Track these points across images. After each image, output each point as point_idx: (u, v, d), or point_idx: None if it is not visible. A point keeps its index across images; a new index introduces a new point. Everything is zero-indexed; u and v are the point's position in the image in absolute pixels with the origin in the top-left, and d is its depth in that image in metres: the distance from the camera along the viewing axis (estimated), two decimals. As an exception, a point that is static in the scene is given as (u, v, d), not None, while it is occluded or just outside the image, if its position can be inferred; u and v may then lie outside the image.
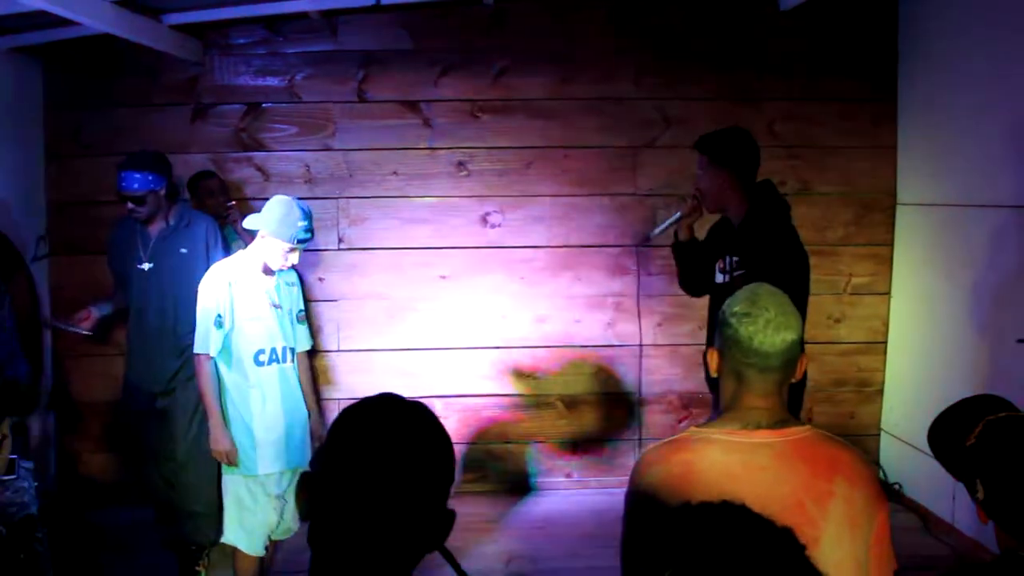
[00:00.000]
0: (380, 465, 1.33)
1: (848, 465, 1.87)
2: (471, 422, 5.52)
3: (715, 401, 2.03)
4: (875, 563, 1.84)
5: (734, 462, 1.82)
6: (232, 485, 3.86)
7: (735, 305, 1.94)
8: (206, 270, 3.99)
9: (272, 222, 3.75)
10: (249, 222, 3.83)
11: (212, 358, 3.79)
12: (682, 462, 1.84)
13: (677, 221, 3.98)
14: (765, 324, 1.88)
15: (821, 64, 5.42)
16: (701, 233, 4.06)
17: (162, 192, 4.34)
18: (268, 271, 3.89)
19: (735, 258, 3.68)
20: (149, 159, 4.32)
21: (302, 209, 3.80)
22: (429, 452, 1.38)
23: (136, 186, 4.25)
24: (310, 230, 3.83)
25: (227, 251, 4.49)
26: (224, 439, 3.77)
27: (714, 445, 1.87)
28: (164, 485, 4.49)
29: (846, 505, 1.81)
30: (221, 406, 3.82)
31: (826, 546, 1.76)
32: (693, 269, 3.99)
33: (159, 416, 4.44)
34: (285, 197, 3.84)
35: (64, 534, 4.41)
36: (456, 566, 1.48)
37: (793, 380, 1.97)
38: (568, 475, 5.54)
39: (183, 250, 4.43)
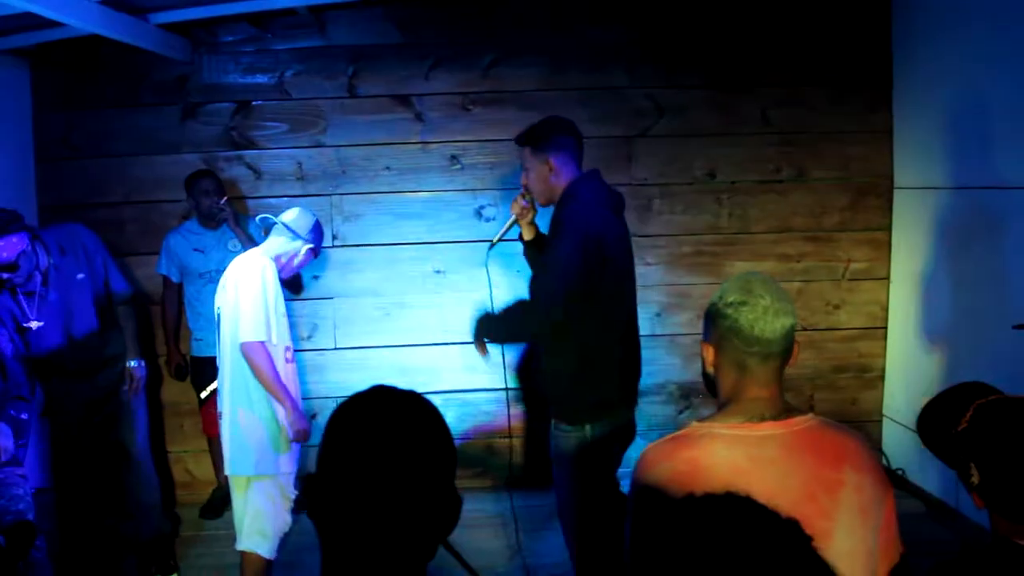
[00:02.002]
0: (381, 457, 1.31)
1: (854, 452, 1.86)
2: (470, 417, 5.50)
3: (714, 396, 2.00)
4: (883, 548, 1.83)
5: (740, 456, 1.79)
6: (261, 490, 3.76)
7: (728, 295, 1.92)
8: (106, 273, 4.41)
9: (306, 229, 3.98)
10: (298, 224, 3.98)
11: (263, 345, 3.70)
12: (688, 459, 1.81)
13: (513, 224, 3.84)
14: (764, 311, 1.87)
15: (814, 49, 5.39)
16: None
17: (30, 248, 4.03)
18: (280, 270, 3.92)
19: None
20: (7, 218, 3.94)
21: (318, 223, 4.10)
22: (428, 438, 1.37)
23: (5, 254, 3.90)
24: None
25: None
26: (303, 419, 3.75)
27: (719, 440, 1.84)
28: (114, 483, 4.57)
29: (856, 494, 1.80)
30: (251, 405, 3.74)
31: (839, 536, 1.75)
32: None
33: (101, 421, 4.52)
34: (310, 211, 4.11)
35: (64, 538, 4.42)
36: (461, 560, 1.46)
37: (789, 366, 1.95)
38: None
39: (80, 275, 4.33)
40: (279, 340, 3.79)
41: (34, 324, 4.18)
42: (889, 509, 1.86)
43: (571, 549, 3.73)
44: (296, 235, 3.96)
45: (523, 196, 3.74)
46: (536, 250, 3.83)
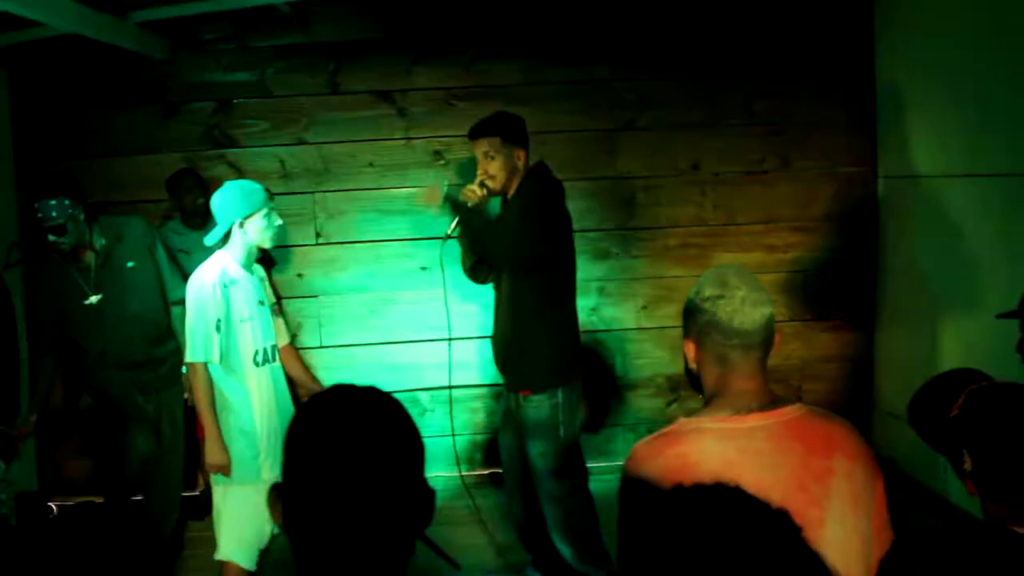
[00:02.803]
0: (348, 457, 1.28)
1: (844, 440, 1.85)
2: (457, 413, 5.47)
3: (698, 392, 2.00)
4: (875, 533, 1.82)
5: (729, 449, 1.78)
6: (233, 498, 3.68)
7: (705, 290, 1.92)
8: (158, 270, 4.24)
9: (237, 205, 3.64)
10: (212, 235, 3.69)
11: (206, 366, 3.61)
12: (677, 455, 1.80)
13: (469, 212, 3.88)
14: (742, 302, 1.86)
15: (797, 41, 5.40)
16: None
17: (81, 216, 3.98)
18: (248, 267, 3.76)
19: None
20: (62, 182, 3.97)
21: (242, 182, 3.79)
22: (393, 432, 1.34)
23: (55, 214, 3.85)
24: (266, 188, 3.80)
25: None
26: (222, 453, 3.59)
27: (707, 434, 1.83)
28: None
29: (847, 482, 1.79)
30: (220, 418, 3.63)
31: (831, 525, 1.74)
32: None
33: (140, 417, 4.36)
34: (222, 187, 3.72)
35: (44, 536, 4.41)
36: (439, 551, 1.44)
37: (772, 355, 1.94)
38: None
39: (130, 264, 4.22)
40: (245, 348, 3.67)
41: (93, 298, 4.11)
42: (880, 495, 1.85)
43: (551, 518, 3.91)
44: (221, 234, 3.69)
45: (479, 185, 3.83)
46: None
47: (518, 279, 3.85)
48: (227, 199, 3.64)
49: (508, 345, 3.92)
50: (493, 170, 3.82)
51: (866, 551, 1.79)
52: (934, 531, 1.90)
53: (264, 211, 3.67)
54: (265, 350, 3.76)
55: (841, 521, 1.75)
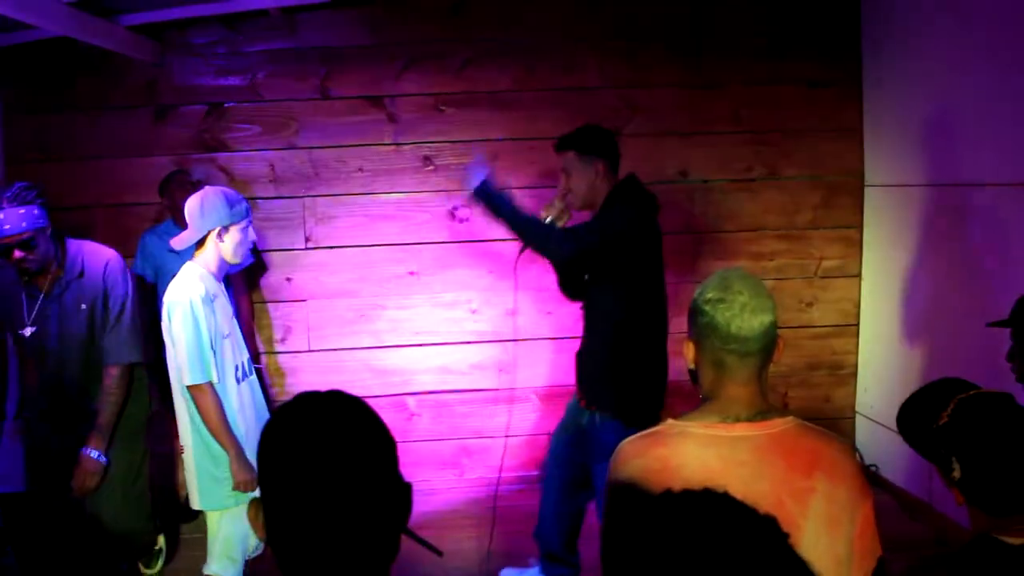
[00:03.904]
0: (322, 462, 1.30)
1: (829, 459, 1.82)
2: (445, 418, 5.50)
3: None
4: (858, 557, 1.79)
5: (711, 456, 1.78)
6: (236, 518, 3.57)
7: (707, 292, 1.90)
8: (96, 308, 3.72)
9: (220, 212, 3.44)
10: (184, 239, 3.48)
11: (211, 385, 3.43)
12: (658, 457, 1.81)
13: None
14: (741, 308, 1.85)
15: (785, 48, 5.43)
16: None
17: (49, 231, 3.51)
18: (222, 279, 3.62)
19: None
20: (31, 190, 3.46)
21: (224, 190, 3.56)
22: (362, 433, 1.36)
23: (25, 224, 3.35)
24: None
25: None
26: (248, 469, 3.42)
27: (690, 439, 1.83)
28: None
29: (827, 502, 1.77)
30: (204, 437, 3.49)
31: (805, 544, 1.72)
32: (567, 272, 4.00)
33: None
34: (202, 191, 3.51)
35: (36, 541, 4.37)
36: (422, 542, 1.46)
37: (772, 364, 1.94)
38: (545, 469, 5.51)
39: (83, 307, 3.70)
40: (228, 365, 3.52)
41: (28, 330, 3.66)
42: (865, 517, 1.81)
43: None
44: (195, 239, 3.49)
45: (560, 199, 3.84)
46: None
47: (602, 292, 3.82)
48: (210, 205, 3.44)
49: (591, 361, 3.87)
50: (572, 185, 3.81)
51: (841, 573, 1.77)
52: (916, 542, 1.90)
53: (244, 224, 3.52)
54: (243, 364, 3.65)
55: (815, 542, 1.73)
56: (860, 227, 5.55)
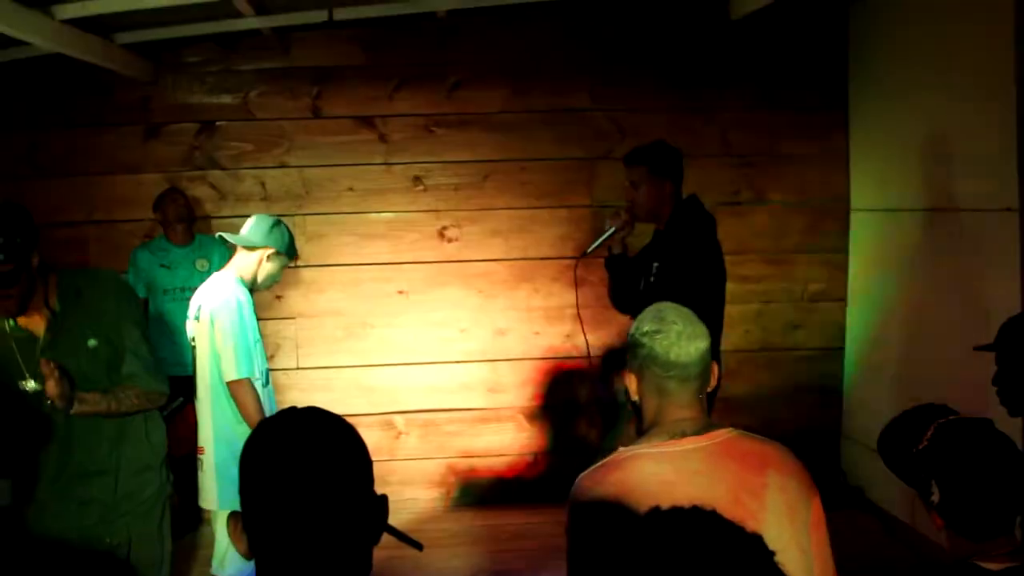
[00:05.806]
0: (301, 477, 1.33)
1: (776, 458, 1.93)
2: (433, 437, 5.50)
3: (638, 424, 2.07)
4: (816, 546, 1.88)
5: (667, 470, 1.85)
6: None
7: (644, 325, 2.01)
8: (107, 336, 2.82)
9: (282, 239, 3.77)
10: (243, 239, 3.74)
11: (251, 381, 3.58)
12: (616, 481, 1.86)
13: (611, 235, 4.01)
14: (678, 336, 1.96)
15: (772, 74, 5.49)
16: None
17: (36, 260, 2.70)
18: (252, 292, 3.77)
19: (656, 263, 3.79)
20: (14, 213, 2.74)
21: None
22: (338, 447, 1.39)
23: (2, 256, 2.55)
24: None
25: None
26: None
27: (644, 459, 1.90)
28: None
29: (781, 493, 1.86)
30: (235, 436, 3.54)
31: (769, 536, 1.76)
32: (624, 284, 4.03)
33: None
34: (273, 216, 3.86)
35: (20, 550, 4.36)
36: (403, 536, 1.49)
37: (708, 389, 2.03)
38: (531, 488, 5.53)
39: (91, 343, 2.81)
40: (258, 369, 3.67)
41: (31, 383, 2.72)
42: (817, 507, 1.91)
43: None
44: (253, 244, 3.73)
45: (625, 211, 3.92)
46: (618, 265, 4.03)
47: None
48: (280, 230, 3.77)
49: None
50: (638, 199, 3.87)
51: (807, 564, 1.85)
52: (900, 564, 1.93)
53: (286, 262, 3.83)
54: (267, 371, 3.81)
55: (778, 532, 1.79)
56: (845, 251, 5.59)
